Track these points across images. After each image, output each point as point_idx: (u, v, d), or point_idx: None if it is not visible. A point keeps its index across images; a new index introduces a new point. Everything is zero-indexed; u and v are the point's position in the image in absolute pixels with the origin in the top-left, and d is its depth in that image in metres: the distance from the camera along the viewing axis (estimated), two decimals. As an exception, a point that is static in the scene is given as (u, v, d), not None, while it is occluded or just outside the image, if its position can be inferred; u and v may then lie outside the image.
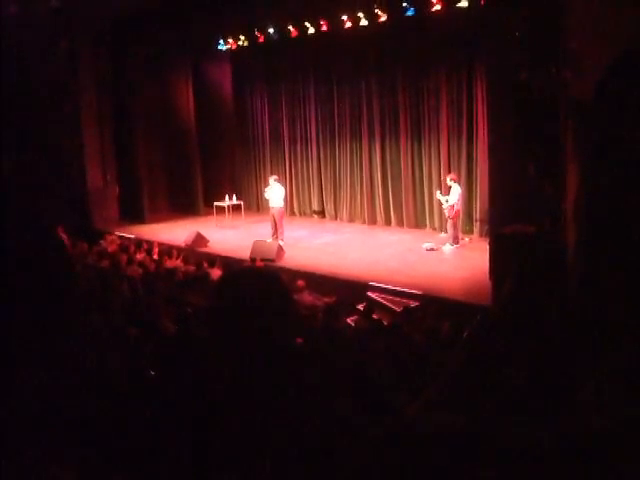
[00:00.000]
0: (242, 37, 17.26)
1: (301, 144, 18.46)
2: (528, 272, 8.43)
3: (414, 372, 5.64)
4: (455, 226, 13.54)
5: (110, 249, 13.71)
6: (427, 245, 13.54)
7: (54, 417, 1.92)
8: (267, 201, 15.34)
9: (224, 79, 20.14)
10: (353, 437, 1.75)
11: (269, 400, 1.71)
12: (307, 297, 10.30)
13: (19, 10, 15.66)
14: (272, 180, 15.15)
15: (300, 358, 2.08)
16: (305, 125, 18.26)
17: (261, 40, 16.72)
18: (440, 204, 14.15)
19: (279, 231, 14.72)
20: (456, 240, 13.51)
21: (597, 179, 8.30)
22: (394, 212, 16.39)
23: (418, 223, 15.98)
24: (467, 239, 14.17)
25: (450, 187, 13.52)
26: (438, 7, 13.19)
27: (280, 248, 13.30)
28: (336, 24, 14.97)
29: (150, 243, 14.62)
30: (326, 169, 17.87)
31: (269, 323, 1.75)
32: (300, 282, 10.54)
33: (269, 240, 14.27)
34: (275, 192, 14.92)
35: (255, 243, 13.39)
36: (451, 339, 7.35)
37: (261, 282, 1.82)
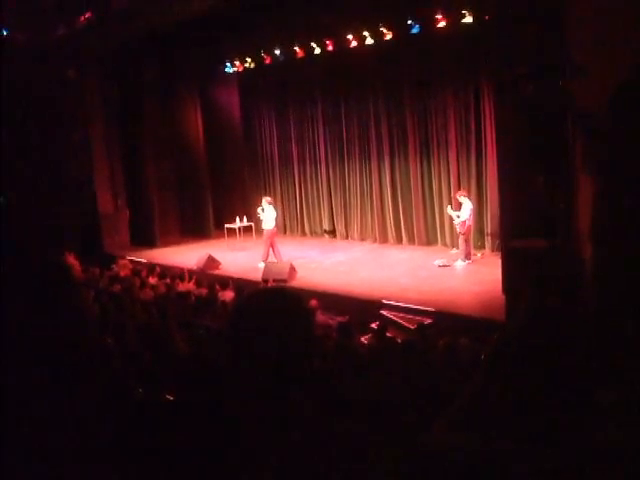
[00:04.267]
0: (248, 59, 17.42)
1: (310, 164, 18.51)
2: (544, 289, 8.36)
3: (430, 391, 5.60)
4: (467, 242, 13.51)
5: (122, 273, 13.76)
6: (439, 262, 13.51)
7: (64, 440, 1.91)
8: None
9: (232, 101, 20.23)
10: (370, 456, 1.73)
11: (286, 422, 1.70)
12: (320, 317, 10.28)
13: (27, 41, 15.85)
14: (265, 202, 15.08)
15: (319, 379, 2.07)
16: (314, 145, 18.32)
17: (267, 62, 16.87)
18: (451, 220, 14.14)
19: (263, 253, 14.56)
20: (468, 256, 13.47)
21: (614, 196, 8.23)
22: (405, 230, 16.37)
23: (429, 240, 15.96)
24: (479, 254, 14.14)
25: (461, 203, 13.51)
26: (443, 24, 13.26)
27: (292, 268, 13.27)
28: (342, 43, 15.08)
29: (162, 267, 14.65)
30: (336, 188, 17.90)
31: (293, 345, 1.73)
32: (313, 302, 10.52)
33: (275, 261, 14.20)
34: (267, 214, 14.82)
35: (267, 264, 13.39)
36: (468, 356, 7.29)
37: (284, 303, 1.81)
